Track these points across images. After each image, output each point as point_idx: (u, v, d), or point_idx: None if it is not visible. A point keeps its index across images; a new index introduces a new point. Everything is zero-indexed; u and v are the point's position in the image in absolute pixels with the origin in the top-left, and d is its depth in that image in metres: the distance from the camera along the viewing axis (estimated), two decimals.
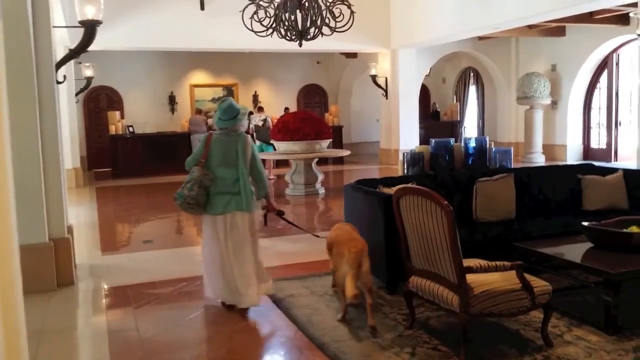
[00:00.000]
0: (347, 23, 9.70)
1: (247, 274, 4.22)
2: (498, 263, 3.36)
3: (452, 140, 5.78)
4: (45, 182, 4.94)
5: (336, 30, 9.74)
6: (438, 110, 17.89)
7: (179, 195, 4.26)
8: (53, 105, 5.02)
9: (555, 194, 5.38)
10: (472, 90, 18.34)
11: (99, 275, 5.42)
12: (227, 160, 4.24)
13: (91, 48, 13.29)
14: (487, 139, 5.83)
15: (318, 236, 4.94)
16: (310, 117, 10.35)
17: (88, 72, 12.80)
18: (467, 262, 3.36)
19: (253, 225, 4.35)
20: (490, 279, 3.41)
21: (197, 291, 4.87)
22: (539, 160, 14.47)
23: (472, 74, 18.23)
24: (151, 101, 16.80)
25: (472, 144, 5.77)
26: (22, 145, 4.71)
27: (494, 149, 5.80)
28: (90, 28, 5.24)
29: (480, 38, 15.22)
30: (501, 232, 4.84)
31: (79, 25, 5.27)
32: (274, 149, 12.24)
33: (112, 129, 14.48)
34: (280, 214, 4.71)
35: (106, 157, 14.86)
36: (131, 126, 15.10)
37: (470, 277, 3.30)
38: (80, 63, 12.83)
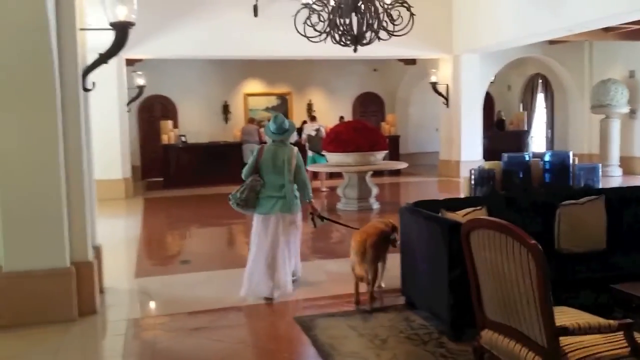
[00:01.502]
0: (406, 26, 9.02)
1: (285, 268, 4.89)
2: (602, 321, 2.57)
3: (528, 155, 4.95)
4: (68, 199, 4.47)
5: (394, 34, 9.05)
6: (503, 119, 16.82)
7: (232, 196, 5.01)
8: (77, 114, 4.54)
9: None
10: (540, 98, 17.19)
11: (126, 304, 4.91)
12: (275, 168, 4.90)
13: (144, 56, 13.32)
14: (571, 154, 5.00)
15: (357, 228, 5.08)
16: (365, 127, 9.66)
17: (140, 81, 12.61)
18: (559, 316, 2.60)
19: (295, 225, 5.02)
20: (589, 340, 2.63)
21: (228, 326, 4.27)
22: (616, 173, 13.26)
23: (540, 81, 17.09)
24: (205, 110, 16.55)
25: (552, 159, 4.95)
26: (40, 157, 4.27)
27: (577, 166, 4.96)
28: (121, 30, 4.77)
29: (551, 42, 14.15)
30: (590, 267, 4.01)
31: (110, 27, 4.80)
32: (326, 161, 11.64)
33: (165, 139, 14.24)
34: (322, 217, 5.30)
35: (159, 167, 14.64)
36: (184, 135, 14.83)
37: (564, 340, 2.54)
38: (134, 72, 12.64)
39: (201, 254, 6.82)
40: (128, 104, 12.57)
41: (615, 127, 13.33)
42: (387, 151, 9.87)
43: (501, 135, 16.15)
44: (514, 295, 2.69)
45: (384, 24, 9.16)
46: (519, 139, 16.54)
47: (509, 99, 18.11)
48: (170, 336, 4.17)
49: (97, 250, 5.12)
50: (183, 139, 14.64)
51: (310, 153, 12.17)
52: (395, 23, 9.20)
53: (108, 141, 11.87)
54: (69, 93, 4.49)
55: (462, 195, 4.95)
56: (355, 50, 9.54)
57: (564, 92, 15.73)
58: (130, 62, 13.35)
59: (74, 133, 4.52)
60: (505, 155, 4.95)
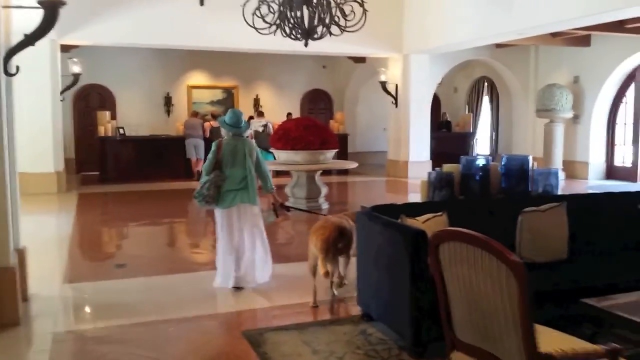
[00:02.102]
0: (358, 22, 8.77)
1: (253, 258, 5.04)
2: (588, 347, 2.35)
3: (487, 158, 4.75)
4: None
5: (346, 30, 8.79)
6: (449, 120, 16.86)
7: (198, 194, 4.99)
8: None
9: (617, 227, 4.37)
10: (486, 100, 17.35)
11: (52, 314, 4.38)
12: (236, 162, 4.99)
13: (81, 42, 12.50)
14: (530, 158, 4.83)
15: (325, 215, 5.43)
16: (315, 124, 9.35)
17: (76, 68, 11.84)
18: (539, 339, 2.35)
19: (259, 215, 5.13)
20: None
21: (166, 340, 3.86)
22: (559, 177, 13.42)
23: (486, 84, 17.25)
24: (145, 102, 15.81)
25: (510, 163, 4.77)
26: None
27: (535, 170, 4.81)
28: (50, 10, 4.26)
29: (498, 46, 14.26)
30: (553, 278, 3.84)
31: (38, 5, 4.27)
32: (274, 158, 11.27)
33: (102, 130, 13.49)
34: (284, 206, 5.81)
35: (96, 161, 13.85)
36: (122, 127, 14.10)
37: None
38: (70, 59, 11.85)
39: (138, 256, 6.31)
40: (62, 92, 11.79)
41: (559, 131, 13.53)
42: (337, 150, 9.59)
43: (448, 136, 16.19)
44: (489, 316, 2.43)
45: (336, 19, 8.90)
46: (465, 140, 16.66)
47: (455, 101, 18.22)
48: (101, 352, 3.72)
49: (21, 253, 4.58)
50: (121, 131, 13.93)
51: None
52: (347, 19, 8.95)
53: (38, 131, 11.10)
54: None
55: (419, 199, 4.68)
56: (306, 44, 9.22)
57: (509, 95, 15.92)
58: (65, 48, 12.54)
59: None
60: (463, 159, 4.73)
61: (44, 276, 5.45)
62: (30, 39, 4.23)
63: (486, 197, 4.59)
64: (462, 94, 17.98)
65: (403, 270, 3.46)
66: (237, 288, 4.94)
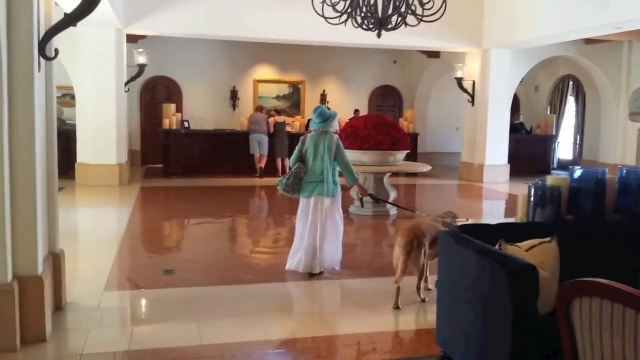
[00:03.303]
0: (437, 12, 7.99)
1: (323, 247, 5.31)
2: None
3: (604, 170, 3.89)
4: (13, 199, 3.47)
5: (423, 19, 8.02)
6: (522, 122, 15.58)
7: (279, 182, 5.41)
8: (29, 93, 3.50)
9: None
10: (571, 101, 16.03)
11: (84, 329, 3.90)
12: (316, 156, 5.27)
13: (147, 32, 12.20)
14: None
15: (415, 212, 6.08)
16: (385, 122, 8.61)
17: (141, 59, 11.56)
18: None
19: (334, 208, 5.35)
20: None
21: None
22: None
23: (571, 83, 15.93)
24: (211, 95, 15.51)
25: (628, 176, 3.90)
26: None
27: None
28: None
29: (587, 41, 13.03)
30: None
31: None
32: None
33: (166, 123, 13.24)
34: (371, 196, 6.27)
35: (160, 153, 13.63)
36: (187, 120, 13.83)
37: None
38: (136, 50, 11.62)
39: (191, 261, 5.77)
40: (127, 83, 11.55)
41: None
42: (408, 151, 8.82)
43: (527, 139, 15.03)
44: None
45: (413, 7, 8.16)
46: (546, 144, 15.45)
47: (536, 101, 16.96)
48: None
49: (56, 258, 4.12)
50: (186, 124, 13.65)
51: None
52: (426, 7, 8.17)
53: (103, 122, 10.94)
54: (18, 66, 3.46)
55: (517, 218, 3.88)
56: (379, 35, 8.48)
57: (597, 96, 14.58)
58: (132, 39, 12.36)
59: (24, 117, 3.49)
60: (574, 169, 3.89)
61: (87, 281, 5.03)
62: (70, 19, 3.71)
63: (600, 219, 3.74)
64: (544, 94, 16.70)
65: (503, 314, 2.71)
66: (311, 274, 5.25)
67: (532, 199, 3.76)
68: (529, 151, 14.57)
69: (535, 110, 16.70)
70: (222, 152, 13.44)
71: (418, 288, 4.58)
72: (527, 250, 3.15)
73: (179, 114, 13.97)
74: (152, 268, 5.49)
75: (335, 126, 5.49)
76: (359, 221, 8.33)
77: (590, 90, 15.00)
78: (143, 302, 4.71)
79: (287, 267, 5.38)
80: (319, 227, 5.24)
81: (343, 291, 5.19)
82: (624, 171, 3.99)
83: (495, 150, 13.07)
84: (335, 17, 8.14)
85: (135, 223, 7.89)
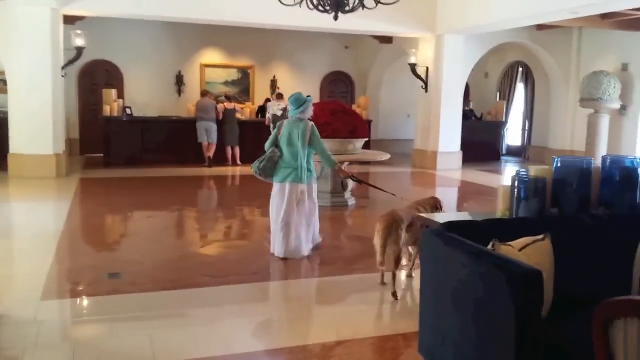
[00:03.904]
0: None
1: (299, 233, 5.39)
2: None
3: (589, 160, 3.64)
4: None
5: (381, 1, 7.71)
6: (472, 109, 15.56)
7: (253, 165, 5.47)
8: None
9: None
10: (520, 87, 16.11)
11: (19, 348, 3.37)
12: (291, 142, 5.33)
13: (87, 13, 11.40)
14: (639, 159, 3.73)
15: (394, 194, 6.12)
16: (343, 109, 8.25)
17: (79, 41, 10.77)
18: None
19: (309, 194, 5.44)
20: None
21: None
22: None
23: (520, 69, 16.00)
24: (155, 80, 14.74)
25: (613, 165, 3.68)
26: None
27: None
28: None
29: (539, 27, 13.05)
30: None
31: None
32: None
33: (107, 110, 12.47)
34: (353, 178, 6.19)
35: (101, 142, 12.83)
36: (129, 107, 13.08)
37: None
38: (73, 31, 10.79)
39: (137, 262, 5.23)
40: (64, 67, 10.74)
41: (604, 123, 12.34)
42: (366, 139, 8.51)
43: (478, 126, 15.01)
44: None
45: None
46: (497, 130, 15.51)
47: (486, 87, 16.98)
48: None
49: None
50: (128, 111, 12.91)
51: None
52: None
53: (38, 109, 10.16)
54: None
55: (499, 212, 3.60)
56: (335, 17, 8.12)
57: (546, 82, 14.70)
58: (70, 20, 11.51)
59: None
60: (556, 159, 3.64)
61: (21, 288, 4.49)
62: None
63: (585, 212, 3.50)
64: (494, 80, 16.73)
65: (503, 324, 2.40)
66: (282, 258, 5.33)
67: (515, 191, 3.47)
68: (479, 138, 14.55)
69: (484, 96, 16.72)
70: (168, 140, 12.80)
71: (393, 275, 4.56)
72: (520, 250, 2.86)
73: (121, 100, 13.20)
74: (95, 271, 4.95)
75: (309, 112, 5.52)
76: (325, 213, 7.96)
77: (539, 77, 15.10)
78: (86, 312, 4.19)
79: (272, 251, 5.49)
80: (294, 213, 5.33)
81: (309, 291, 4.82)
82: (608, 160, 3.76)
83: (449, 137, 12.97)
84: None
85: (75, 219, 7.25)
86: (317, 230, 5.74)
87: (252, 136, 12.95)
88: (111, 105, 12.48)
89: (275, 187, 5.47)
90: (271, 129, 10.73)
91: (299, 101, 5.42)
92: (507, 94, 16.28)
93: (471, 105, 15.61)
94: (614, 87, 12.09)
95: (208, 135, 12.35)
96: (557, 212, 3.54)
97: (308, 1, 7.85)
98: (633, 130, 12.54)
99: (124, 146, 12.33)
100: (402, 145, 15.58)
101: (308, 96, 5.62)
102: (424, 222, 3.86)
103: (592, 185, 3.65)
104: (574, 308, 2.87)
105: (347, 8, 8.02)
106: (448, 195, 10.50)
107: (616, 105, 12.24)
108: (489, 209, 8.93)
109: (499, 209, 3.66)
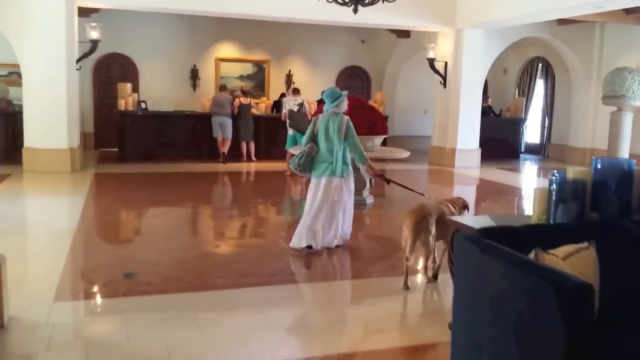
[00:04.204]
0: None
1: (332, 225, 5.45)
2: None
3: (630, 162, 3.43)
4: None
5: None
6: (490, 105, 15.28)
7: (292, 162, 5.60)
8: None
9: None
10: (540, 84, 15.80)
11: (31, 352, 3.24)
12: (327, 137, 5.37)
13: (103, 6, 11.28)
14: None
15: (423, 194, 5.94)
16: (363, 105, 8.08)
17: (94, 34, 10.65)
18: None
19: (344, 188, 5.46)
20: None
21: None
22: None
23: (540, 65, 15.69)
24: (170, 74, 14.63)
25: None
26: None
27: None
28: None
29: (560, 22, 12.73)
30: None
31: None
32: None
33: (122, 104, 12.37)
34: (382, 177, 6.03)
35: (116, 136, 12.75)
36: (144, 101, 12.97)
37: None
38: (88, 24, 10.68)
39: (153, 262, 5.08)
40: (78, 60, 10.64)
41: (628, 121, 12.00)
42: (386, 135, 8.31)
43: (496, 122, 14.75)
44: None
45: None
46: (516, 128, 15.24)
47: (504, 83, 16.68)
48: None
49: None
50: (143, 105, 12.79)
51: (290, 131, 10.53)
52: None
53: (53, 103, 10.07)
54: None
55: (534, 217, 3.40)
56: (355, 10, 7.98)
57: (567, 78, 14.38)
58: (85, 13, 11.41)
59: None
60: (597, 160, 3.43)
61: (34, 289, 4.35)
62: None
63: (627, 217, 3.30)
64: (513, 76, 16.42)
65: (550, 342, 2.22)
66: (308, 247, 5.39)
67: (553, 194, 3.27)
68: (498, 135, 14.29)
69: (503, 93, 16.44)
70: (183, 135, 12.69)
71: (425, 268, 4.80)
72: (564, 259, 2.67)
73: (136, 94, 13.11)
74: (110, 271, 4.82)
75: (344, 106, 5.52)
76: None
77: (560, 73, 14.78)
78: (100, 315, 4.05)
79: (293, 244, 5.44)
80: (327, 206, 5.37)
81: (330, 296, 4.65)
82: None
83: (468, 134, 12.72)
84: None
85: (89, 215, 7.15)
86: (348, 226, 5.70)
87: (267, 132, 12.82)
88: (126, 99, 12.38)
89: (313, 181, 5.52)
90: (287, 125, 10.58)
91: (334, 95, 5.43)
92: (526, 91, 15.98)
93: (489, 102, 15.33)
94: (639, 84, 11.76)
95: (223, 130, 12.21)
96: (597, 217, 3.33)
97: None
98: None
99: (139, 141, 12.22)
100: (419, 142, 15.33)
101: (343, 90, 5.62)
102: (454, 226, 3.67)
103: (634, 188, 3.44)
104: (615, 321, 2.68)
105: (367, 1, 7.87)
106: (468, 194, 10.26)
107: None
108: (510, 209, 8.78)
109: (535, 213, 3.46)
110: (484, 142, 13.14)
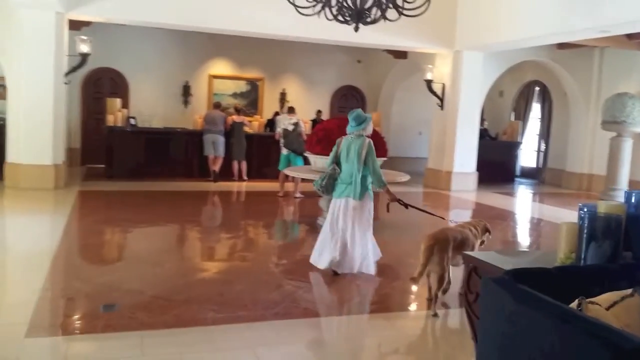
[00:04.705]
0: (420, 6, 7.29)
1: (350, 248, 5.38)
2: None
3: None
4: None
5: (404, 13, 7.29)
6: (486, 128, 15.07)
7: (316, 183, 5.70)
8: None
9: None
10: (536, 108, 15.62)
11: None
12: (348, 158, 5.45)
13: (94, 19, 10.93)
14: None
15: (443, 218, 5.90)
16: None
17: (84, 47, 10.31)
18: None
19: (361, 211, 5.41)
20: None
21: None
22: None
23: (537, 89, 15.53)
24: (162, 90, 14.31)
25: None
26: None
27: None
28: None
29: (560, 46, 12.58)
30: None
31: None
32: (304, 161, 9.75)
33: (111, 119, 12.00)
34: (400, 201, 5.66)
35: (103, 153, 12.35)
36: (133, 117, 12.61)
37: None
38: (78, 37, 10.35)
39: (137, 292, 4.67)
40: (67, 73, 10.29)
41: (627, 147, 11.83)
42: (385, 158, 8.00)
43: (492, 145, 14.50)
44: None
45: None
46: (511, 151, 15.01)
47: (500, 107, 16.50)
48: None
49: None
50: (133, 121, 12.44)
51: (284, 151, 10.22)
52: (409, 0, 7.46)
53: (38, 117, 9.72)
54: None
55: (561, 255, 3.06)
56: (356, 29, 7.71)
57: (565, 102, 14.20)
58: (76, 26, 11.08)
59: None
60: (632, 193, 3.12)
61: (4, 321, 3.94)
62: None
63: None
64: (509, 99, 16.25)
65: None
66: (334, 272, 5.36)
67: (584, 227, 2.94)
68: (494, 158, 14.04)
69: (498, 116, 16.24)
70: (173, 153, 12.33)
71: (435, 296, 4.49)
72: (607, 309, 2.33)
73: (125, 110, 12.77)
74: (89, 301, 4.41)
75: (370, 129, 5.57)
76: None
77: (557, 97, 14.62)
78: (75, 357, 3.62)
79: (311, 261, 5.49)
80: (348, 228, 5.34)
81: (335, 334, 4.28)
82: None
83: (465, 157, 12.46)
84: (309, 7, 7.30)
85: (70, 237, 6.74)
86: (372, 256, 5.54)
87: (259, 151, 12.50)
88: (115, 114, 12.03)
89: (333, 202, 5.57)
90: (281, 144, 10.27)
91: (360, 118, 5.49)
92: (522, 114, 15.80)
93: (485, 125, 15.11)
94: (639, 110, 11.59)
95: (215, 148, 11.86)
96: (631, 258, 3.01)
97: (327, 11, 7.44)
98: None
99: (127, 158, 11.84)
100: (413, 164, 15.06)
101: (366, 113, 5.70)
102: (470, 261, 3.33)
103: None
104: None
105: (368, 19, 7.60)
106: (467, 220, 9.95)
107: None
108: (515, 238, 8.45)
109: (562, 251, 3.12)
110: (480, 165, 12.89)
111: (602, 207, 3.11)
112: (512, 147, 15.00)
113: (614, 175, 11.98)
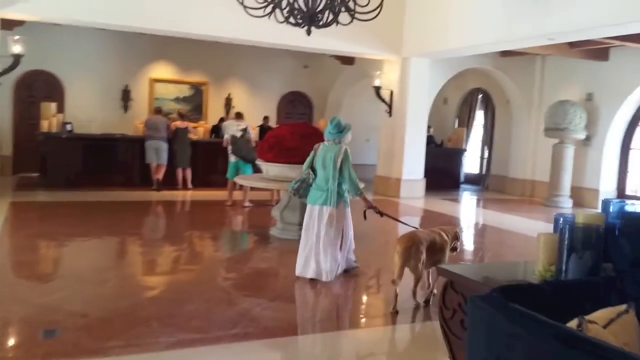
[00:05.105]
0: (373, 10, 7.14)
1: (327, 254, 5.40)
2: None
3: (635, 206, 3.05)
4: None
5: (356, 17, 7.13)
6: (432, 135, 15.19)
7: (290, 185, 5.80)
8: None
9: None
10: (479, 115, 15.88)
11: None
12: (324, 165, 5.50)
13: (28, 18, 10.25)
14: None
15: (416, 228, 5.49)
16: (315, 132, 7.53)
17: (17, 49, 9.61)
18: None
19: (335, 218, 5.38)
20: None
21: None
22: (566, 204, 12.08)
23: (480, 96, 15.79)
24: (100, 95, 13.67)
25: None
26: None
27: None
28: None
29: (503, 54, 12.80)
30: None
31: None
32: (253, 169, 9.45)
33: (45, 125, 11.32)
34: (375, 209, 5.66)
35: (37, 160, 11.62)
36: (69, 123, 11.94)
37: None
38: (11, 37, 9.66)
39: (80, 314, 4.25)
40: None
41: (569, 153, 12.15)
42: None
43: (438, 153, 14.59)
44: None
45: (350, 3, 7.26)
46: (456, 158, 15.16)
47: (444, 114, 16.67)
48: None
49: None
50: (69, 127, 11.77)
51: (232, 158, 9.88)
52: (359, 4, 7.29)
53: None
54: None
55: (540, 268, 2.92)
56: (308, 32, 7.47)
57: (508, 110, 14.48)
58: (7, 25, 10.35)
59: None
60: (609, 201, 3.02)
61: None
62: None
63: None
64: (453, 107, 16.45)
65: None
66: (312, 279, 5.38)
67: (565, 242, 2.81)
68: (440, 165, 14.13)
69: (443, 123, 16.39)
70: (112, 160, 11.76)
71: (414, 292, 4.79)
72: (605, 327, 2.20)
73: (61, 115, 12.09)
74: (26, 326, 3.97)
75: (349, 138, 5.64)
76: (281, 245, 7.19)
77: (500, 104, 14.89)
78: None
79: (298, 272, 5.48)
80: (322, 236, 5.34)
81: (305, 353, 4.01)
82: None
83: (413, 164, 12.48)
84: (260, 8, 7.04)
85: (2, 253, 6.20)
86: (347, 254, 5.70)
87: (205, 158, 12.08)
88: (50, 120, 11.36)
89: (308, 208, 5.54)
90: (230, 151, 9.93)
91: (340, 127, 5.55)
92: (466, 121, 16.02)
93: (431, 132, 15.20)
94: (580, 117, 11.92)
95: (158, 155, 11.36)
96: (611, 270, 2.90)
97: (280, 11, 7.19)
98: (597, 161, 12.37)
99: (63, 166, 11.18)
100: (361, 171, 14.74)
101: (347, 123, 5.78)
102: (446, 276, 3.15)
103: None
104: None
105: (321, 23, 7.41)
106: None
107: (582, 135, 12.08)
108: (476, 247, 8.40)
109: (540, 263, 2.99)
110: (427, 172, 12.93)
111: (581, 217, 3.00)
112: (457, 154, 15.16)
113: (556, 182, 12.27)
